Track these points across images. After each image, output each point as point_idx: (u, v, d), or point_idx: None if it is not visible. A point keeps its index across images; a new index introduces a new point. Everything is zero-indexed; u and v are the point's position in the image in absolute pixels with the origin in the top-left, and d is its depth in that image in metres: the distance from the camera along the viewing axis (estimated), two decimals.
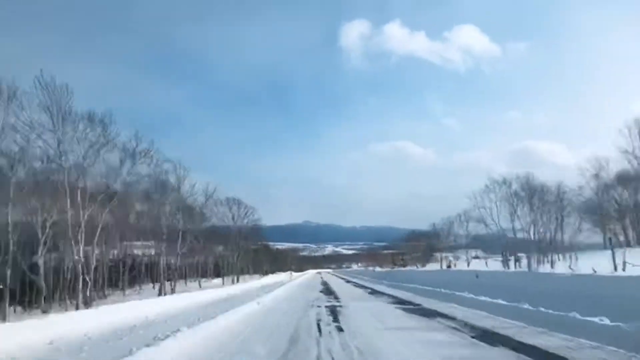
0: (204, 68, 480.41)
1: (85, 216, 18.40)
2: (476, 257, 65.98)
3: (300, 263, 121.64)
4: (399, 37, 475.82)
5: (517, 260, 37.42)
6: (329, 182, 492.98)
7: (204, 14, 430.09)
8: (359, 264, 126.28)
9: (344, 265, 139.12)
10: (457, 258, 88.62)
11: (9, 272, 16.23)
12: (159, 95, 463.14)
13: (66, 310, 17.97)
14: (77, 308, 17.11)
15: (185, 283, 39.17)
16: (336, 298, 16.64)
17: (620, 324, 5.89)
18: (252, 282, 31.61)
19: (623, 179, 40.45)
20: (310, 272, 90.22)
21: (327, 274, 76.11)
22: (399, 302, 13.58)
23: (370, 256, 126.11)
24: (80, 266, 18.32)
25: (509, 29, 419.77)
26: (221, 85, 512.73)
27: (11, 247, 16.48)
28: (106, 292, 28.61)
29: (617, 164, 41.07)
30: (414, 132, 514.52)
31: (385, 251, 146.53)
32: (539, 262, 34.22)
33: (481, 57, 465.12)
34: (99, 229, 20.24)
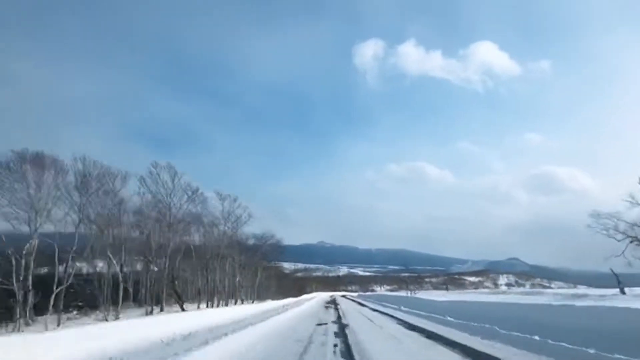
0: (222, 87, 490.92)
1: None
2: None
3: (313, 284, 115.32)
4: (414, 56, 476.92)
5: None
6: (345, 203, 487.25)
7: (222, 31, 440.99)
8: (383, 287, 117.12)
9: (368, 289, 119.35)
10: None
11: None
12: (176, 112, 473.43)
13: None
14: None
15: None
16: None
17: None
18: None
19: None
20: (315, 299, 52.68)
21: (345, 300, 49.10)
22: None
23: (391, 279, 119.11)
24: None
25: (529, 46, 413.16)
26: (239, 104, 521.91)
27: None
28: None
29: None
30: (431, 153, 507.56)
31: (406, 274, 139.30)
32: None
33: (500, 76, 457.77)
34: None
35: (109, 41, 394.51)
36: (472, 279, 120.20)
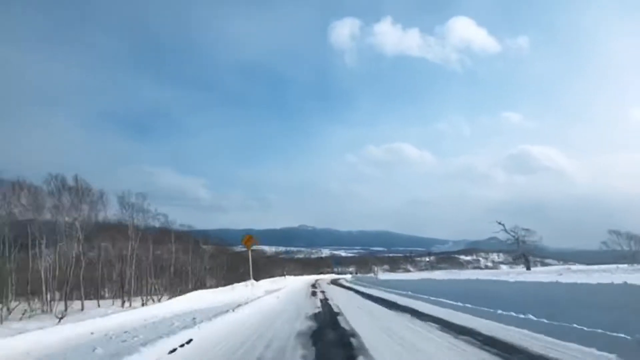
0: (199, 71, 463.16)
1: None
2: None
3: (289, 265, 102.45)
4: (390, 35, 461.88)
5: None
6: (326, 186, 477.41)
7: (197, 10, 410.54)
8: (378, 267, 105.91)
9: (343, 270, 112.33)
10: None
11: None
12: (153, 96, 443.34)
13: None
14: None
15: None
16: None
17: None
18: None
19: None
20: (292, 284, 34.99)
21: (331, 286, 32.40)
22: None
23: (381, 260, 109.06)
24: None
25: (508, 21, 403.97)
26: (216, 87, 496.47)
27: None
28: None
29: None
30: (410, 134, 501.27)
31: (391, 255, 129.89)
32: None
33: (478, 54, 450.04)
34: None
35: (82, 23, 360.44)
36: (466, 257, 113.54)
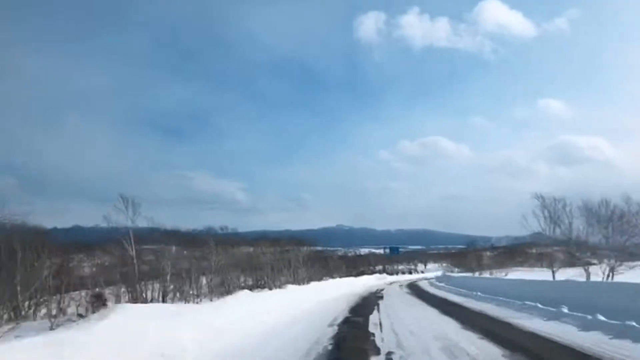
0: (225, 69, 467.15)
1: None
2: None
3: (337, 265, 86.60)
4: (418, 26, 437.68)
5: None
6: (361, 185, 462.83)
7: (217, 8, 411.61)
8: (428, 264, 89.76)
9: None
10: None
11: None
12: (182, 99, 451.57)
13: None
14: None
15: None
16: None
17: None
18: None
19: None
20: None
21: None
22: None
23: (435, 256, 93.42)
24: None
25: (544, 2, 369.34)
26: (244, 86, 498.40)
27: None
28: None
29: None
30: (445, 128, 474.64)
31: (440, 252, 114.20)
32: None
33: (513, 40, 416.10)
34: None
35: (106, 30, 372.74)
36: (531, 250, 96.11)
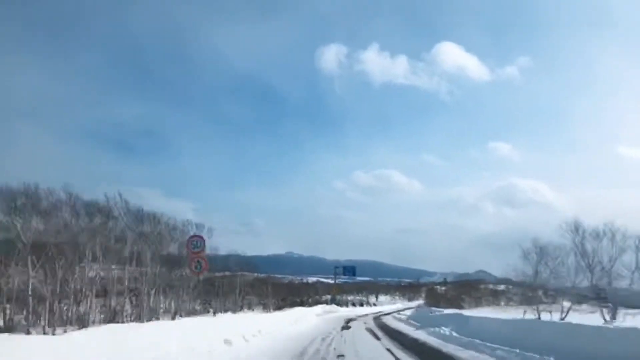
0: (185, 87, 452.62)
1: None
2: None
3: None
4: (378, 62, 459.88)
5: None
6: (314, 213, 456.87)
7: (183, 22, 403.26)
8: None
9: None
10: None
11: None
12: (136, 114, 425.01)
13: None
14: None
15: None
16: None
17: None
18: None
19: None
20: None
21: None
22: None
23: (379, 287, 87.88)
24: None
25: (498, 49, 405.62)
26: (203, 105, 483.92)
27: None
28: None
29: None
30: (398, 162, 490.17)
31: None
32: None
33: (467, 83, 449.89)
34: None
35: (62, 34, 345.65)
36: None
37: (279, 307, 31.34)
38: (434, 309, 31.20)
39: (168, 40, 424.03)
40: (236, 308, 23.28)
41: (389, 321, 28.26)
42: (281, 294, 47.72)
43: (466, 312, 24.22)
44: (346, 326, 21.66)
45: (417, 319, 25.11)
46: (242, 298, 29.38)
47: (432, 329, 16.77)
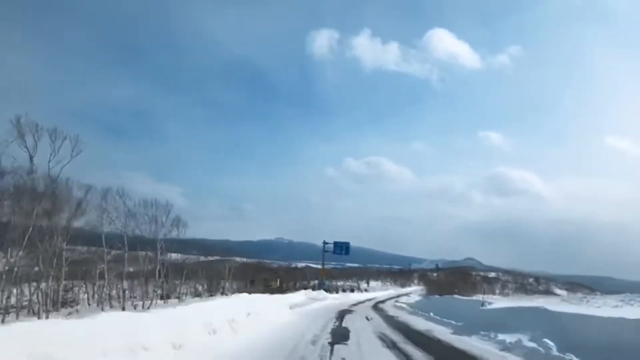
0: (176, 71, 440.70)
1: None
2: None
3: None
4: (369, 48, 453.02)
5: None
6: (304, 199, 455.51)
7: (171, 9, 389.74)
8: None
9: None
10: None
11: None
12: (126, 97, 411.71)
13: None
14: None
15: None
16: None
17: None
18: None
19: None
20: None
21: None
22: None
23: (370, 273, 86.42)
24: None
25: (490, 37, 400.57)
26: (194, 91, 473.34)
27: None
28: None
29: None
30: (389, 150, 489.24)
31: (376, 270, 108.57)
32: None
33: (459, 70, 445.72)
34: None
35: (49, 12, 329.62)
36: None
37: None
38: (483, 301, 17.45)
39: (157, 22, 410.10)
40: None
41: (401, 315, 20.39)
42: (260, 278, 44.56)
43: (548, 306, 11.57)
44: (340, 327, 13.86)
45: (439, 313, 18.02)
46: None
47: (497, 337, 10.26)
